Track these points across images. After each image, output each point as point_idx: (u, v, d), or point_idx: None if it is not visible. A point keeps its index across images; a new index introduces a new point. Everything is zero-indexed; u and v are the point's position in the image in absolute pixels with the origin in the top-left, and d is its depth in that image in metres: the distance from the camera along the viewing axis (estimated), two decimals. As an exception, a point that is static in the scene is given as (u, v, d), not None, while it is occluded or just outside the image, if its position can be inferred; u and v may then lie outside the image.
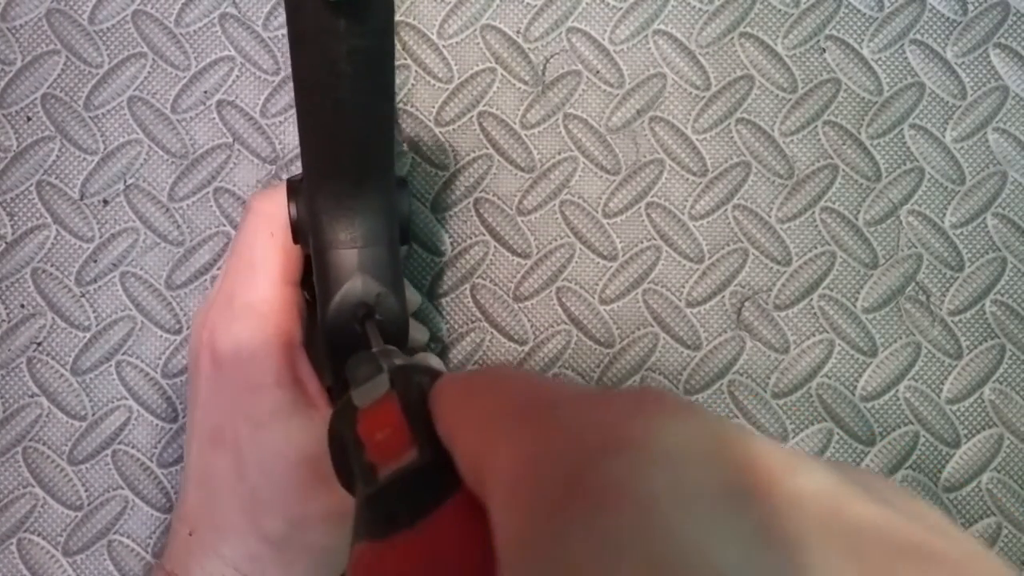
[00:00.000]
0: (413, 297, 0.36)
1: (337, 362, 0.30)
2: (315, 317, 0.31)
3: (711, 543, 0.10)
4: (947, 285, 0.40)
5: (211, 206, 0.40)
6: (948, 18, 0.41)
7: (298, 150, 0.40)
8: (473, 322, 0.39)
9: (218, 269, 0.39)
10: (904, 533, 0.12)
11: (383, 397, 0.21)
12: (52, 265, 0.39)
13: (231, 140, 0.40)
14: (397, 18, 0.38)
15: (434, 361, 0.36)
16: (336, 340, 0.28)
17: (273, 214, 0.31)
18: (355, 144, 0.26)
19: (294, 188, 0.30)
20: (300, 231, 0.30)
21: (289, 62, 0.40)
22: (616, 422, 0.13)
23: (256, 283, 0.31)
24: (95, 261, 0.39)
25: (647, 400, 0.13)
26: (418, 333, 0.37)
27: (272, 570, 0.30)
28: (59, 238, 0.39)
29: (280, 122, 0.40)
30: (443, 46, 0.41)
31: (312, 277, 0.30)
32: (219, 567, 0.30)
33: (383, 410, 0.21)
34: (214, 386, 0.31)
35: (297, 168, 0.40)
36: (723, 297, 0.40)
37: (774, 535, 0.11)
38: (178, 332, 0.39)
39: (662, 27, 0.41)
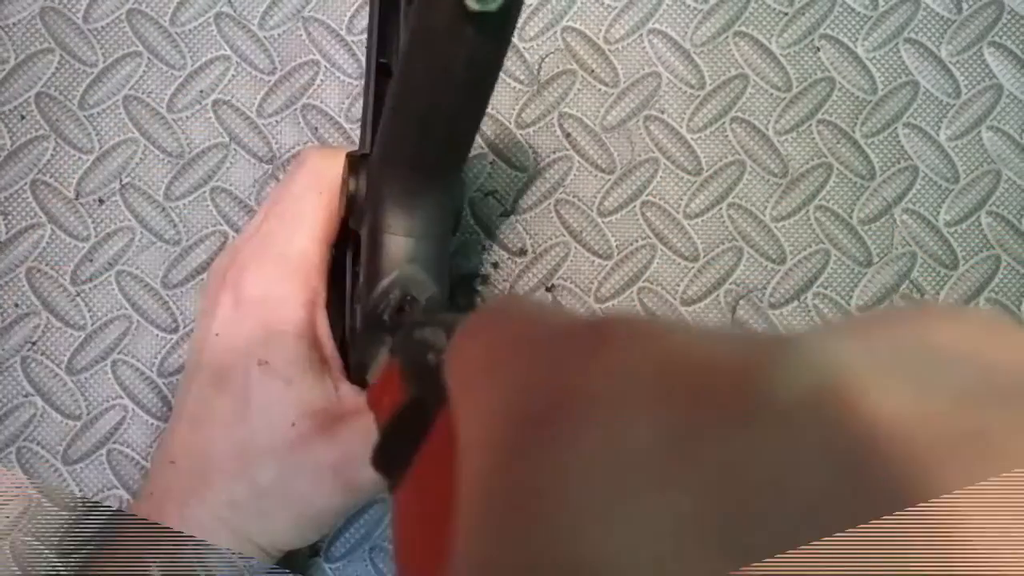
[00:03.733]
0: None
1: (369, 341, 0.30)
2: (341, 283, 0.31)
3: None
4: (941, 283, 0.40)
5: (207, 205, 0.40)
6: (942, 17, 0.41)
7: (295, 149, 0.40)
8: (469, 321, 0.39)
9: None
10: None
11: (385, 366, 0.22)
12: (47, 264, 0.39)
13: (227, 140, 0.40)
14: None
15: None
16: (374, 321, 0.28)
17: (325, 174, 0.31)
18: (443, 143, 0.27)
19: (355, 163, 0.30)
20: (355, 206, 0.30)
21: (282, 60, 0.40)
22: (571, 370, 0.11)
23: (297, 236, 0.31)
24: (90, 260, 0.39)
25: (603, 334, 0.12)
26: None
27: (251, 519, 0.30)
28: (54, 237, 0.39)
29: (276, 122, 0.40)
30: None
31: (344, 243, 0.31)
32: (199, 511, 0.30)
33: (384, 377, 0.21)
34: (230, 326, 0.31)
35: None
36: (718, 295, 0.40)
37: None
38: (174, 331, 0.39)
39: (657, 26, 0.41)
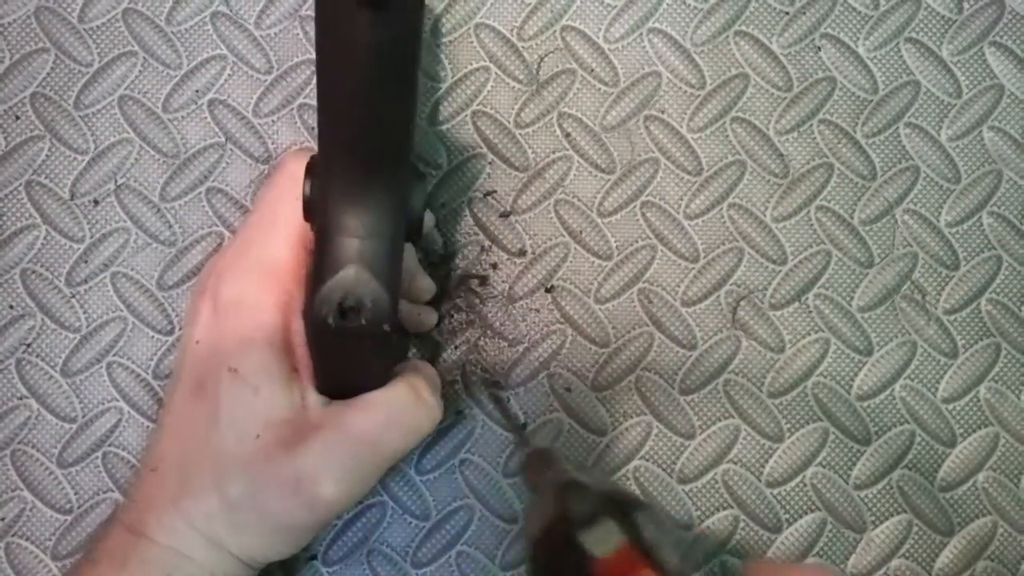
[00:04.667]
0: (427, 284, 0.36)
1: (318, 347, 0.29)
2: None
3: None
4: (943, 284, 0.40)
5: (203, 206, 0.39)
6: (944, 16, 0.41)
7: (291, 148, 0.40)
8: (468, 323, 0.39)
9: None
10: None
11: (623, 550, 0.22)
12: (42, 266, 0.39)
13: (223, 139, 0.40)
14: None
15: (427, 370, 0.35)
16: (319, 327, 0.27)
17: (302, 178, 0.31)
18: (369, 133, 0.26)
19: (311, 166, 0.29)
20: (310, 210, 0.29)
21: (278, 60, 0.40)
22: None
23: (273, 241, 0.31)
24: (86, 262, 0.39)
25: None
26: (429, 317, 0.37)
27: (226, 531, 0.30)
28: (49, 238, 0.39)
29: (273, 121, 0.40)
30: (437, 45, 0.40)
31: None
32: (176, 521, 0.29)
33: (624, 564, 0.22)
34: (208, 333, 0.31)
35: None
36: (718, 296, 0.39)
37: None
38: (170, 333, 0.39)
39: (657, 25, 0.41)
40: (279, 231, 0.31)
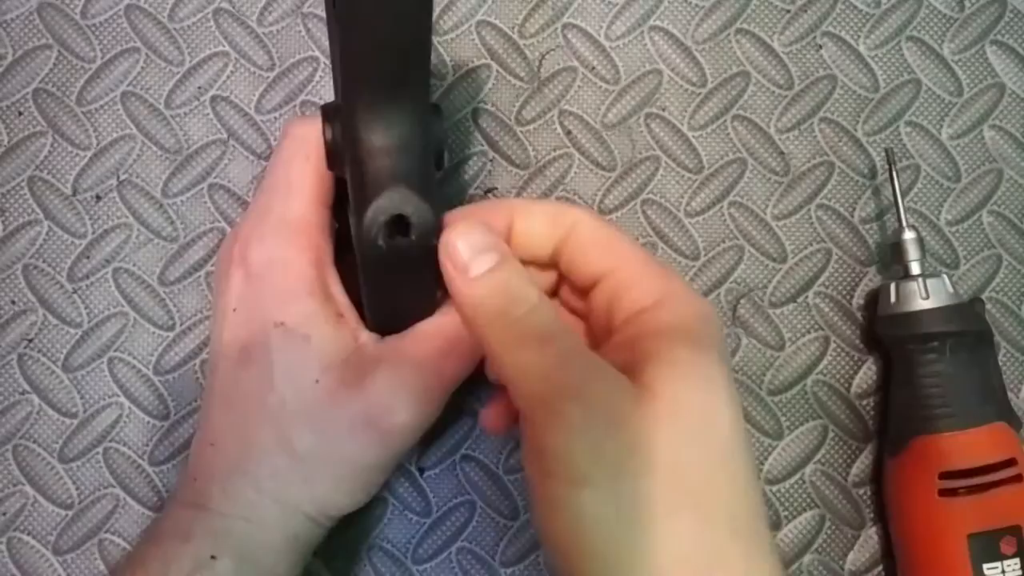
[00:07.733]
0: None
1: (369, 275, 0.30)
2: (346, 241, 0.31)
3: None
4: (943, 282, 0.40)
5: (205, 202, 0.39)
6: (945, 15, 0.41)
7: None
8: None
9: (212, 266, 0.39)
10: None
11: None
12: (44, 261, 0.39)
13: (225, 136, 0.40)
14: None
15: None
16: (369, 251, 0.28)
17: (310, 138, 0.32)
18: (392, 50, 0.26)
19: (329, 112, 0.30)
20: (335, 154, 0.30)
21: (280, 56, 0.40)
22: None
23: (293, 200, 0.32)
24: (87, 257, 0.39)
25: None
26: None
27: (295, 487, 0.30)
28: (51, 234, 0.39)
29: (275, 118, 0.40)
30: (438, 42, 0.40)
31: (343, 205, 0.31)
32: (242, 486, 0.30)
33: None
34: (245, 301, 0.31)
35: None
36: (719, 294, 0.39)
37: None
38: (171, 329, 0.39)
39: (658, 23, 0.41)
40: (296, 190, 0.32)
